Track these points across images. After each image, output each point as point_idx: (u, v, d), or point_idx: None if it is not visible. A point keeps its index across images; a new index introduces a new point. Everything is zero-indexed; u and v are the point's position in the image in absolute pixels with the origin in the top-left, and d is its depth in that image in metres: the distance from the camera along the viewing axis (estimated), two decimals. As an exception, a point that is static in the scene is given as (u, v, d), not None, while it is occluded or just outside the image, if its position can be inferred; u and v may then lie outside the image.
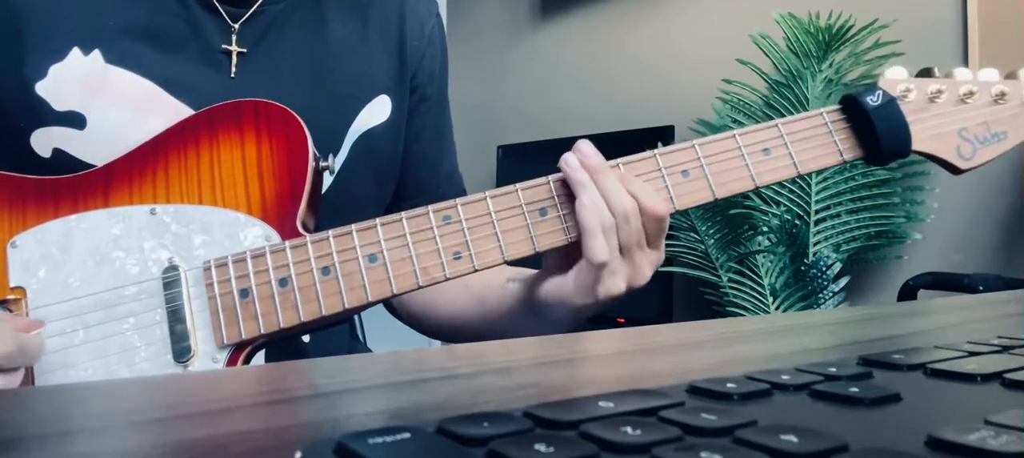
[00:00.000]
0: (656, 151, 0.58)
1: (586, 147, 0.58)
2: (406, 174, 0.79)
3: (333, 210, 0.67)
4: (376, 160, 0.74)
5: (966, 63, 1.70)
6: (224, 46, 0.67)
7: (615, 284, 0.57)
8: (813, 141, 0.59)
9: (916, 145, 0.59)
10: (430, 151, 0.81)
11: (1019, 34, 1.63)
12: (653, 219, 0.57)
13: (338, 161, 0.71)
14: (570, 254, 0.59)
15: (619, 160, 0.58)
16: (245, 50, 0.68)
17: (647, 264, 0.58)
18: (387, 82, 0.75)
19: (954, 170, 0.60)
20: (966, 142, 0.59)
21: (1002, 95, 0.60)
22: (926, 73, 0.62)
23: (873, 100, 0.58)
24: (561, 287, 0.59)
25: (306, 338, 0.75)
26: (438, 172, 0.82)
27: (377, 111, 0.74)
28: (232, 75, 0.67)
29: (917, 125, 0.59)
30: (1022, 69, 0.62)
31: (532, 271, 0.65)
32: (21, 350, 0.51)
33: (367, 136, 0.73)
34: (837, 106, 0.60)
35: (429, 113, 0.80)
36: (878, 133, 0.57)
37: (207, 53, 0.67)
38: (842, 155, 0.59)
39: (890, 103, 0.58)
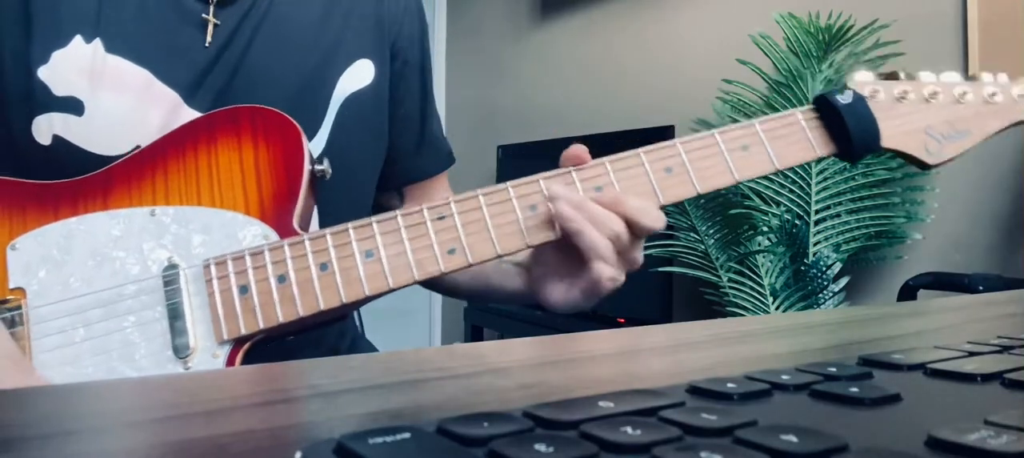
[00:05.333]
0: (641, 150, 0.61)
1: (556, 190, 0.58)
2: (393, 138, 0.81)
3: (330, 180, 0.67)
4: (364, 122, 0.75)
5: (966, 63, 1.71)
6: (203, 15, 0.69)
7: (617, 281, 0.60)
8: (788, 138, 0.61)
9: (885, 142, 0.62)
10: (414, 113, 0.83)
11: (1019, 33, 1.63)
12: (649, 231, 0.59)
13: (326, 128, 0.72)
14: (564, 249, 0.60)
15: (605, 159, 0.60)
16: (219, 22, 0.69)
17: (639, 253, 0.61)
18: (366, 48, 0.77)
19: (923, 166, 0.63)
20: (932, 139, 0.63)
21: (964, 95, 0.64)
22: (892, 76, 0.65)
23: (844, 99, 0.61)
24: (568, 294, 0.62)
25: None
26: (424, 134, 0.84)
27: (359, 74, 0.75)
28: (207, 44, 0.68)
29: (885, 122, 0.62)
30: (984, 73, 0.66)
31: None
32: None
33: (352, 99, 0.74)
34: (810, 105, 0.63)
35: (412, 77, 0.82)
36: (849, 129, 0.60)
37: (189, 34, 0.68)
38: (816, 150, 0.61)
39: (860, 101, 0.61)
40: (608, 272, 0.58)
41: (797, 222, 1.76)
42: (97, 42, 0.65)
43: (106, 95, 0.65)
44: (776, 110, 1.79)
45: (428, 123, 0.85)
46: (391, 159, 0.81)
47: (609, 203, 0.58)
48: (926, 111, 0.63)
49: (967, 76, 0.65)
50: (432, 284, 0.82)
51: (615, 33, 2.56)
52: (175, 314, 0.57)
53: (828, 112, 0.62)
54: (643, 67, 2.47)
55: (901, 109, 0.63)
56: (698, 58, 2.31)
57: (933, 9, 1.78)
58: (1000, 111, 0.64)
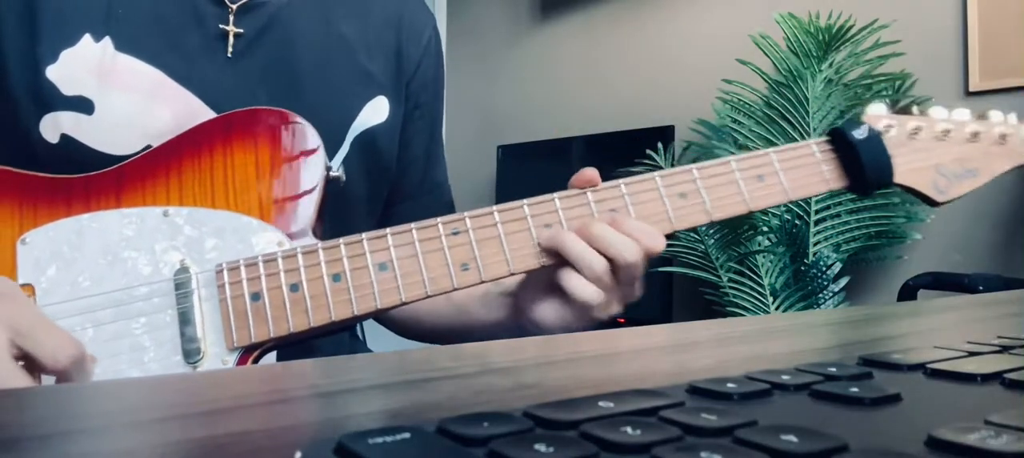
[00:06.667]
0: (656, 173, 0.61)
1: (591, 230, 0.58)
2: (396, 178, 0.79)
3: (331, 212, 0.67)
4: (375, 159, 0.75)
5: (966, 63, 1.70)
6: (221, 26, 0.68)
7: (613, 308, 0.60)
8: (802, 170, 0.62)
9: (897, 178, 0.62)
10: (420, 157, 0.82)
11: (1018, 34, 1.63)
12: (654, 254, 0.59)
13: (340, 155, 0.72)
14: (554, 273, 0.59)
15: (620, 181, 0.60)
16: (243, 30, 0.68)
17: (639, 283, 0.61)
18: (385, 84, 0.76)
19: (931, 202, 0.64)
20: (942, 177, 0.63)
21: (975, 135, 0.65)
22: (905, 110, 0.66)
23: (859, 134, 0.61)
24: (559, 315, 0.60)
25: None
26: (426, 180, 0.83)
27: (377, 110, 0.74)
28: (229, 54, 0.67)
29: (898, 159, 0.62)
30: (992, 111, 0.66)
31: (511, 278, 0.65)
32: (85, 362, 0.49)
33: (368, 134, 0.73)
34: (825, 138, 0.63)
35: (422, 120, 0.81)
36: (863, 164, 0.61)
37: (207, 39, 0.68)
38: (829, 184, 0.62)
39: (875, 136, 0.62)
40: (594, 297, 0.57)
41: (797, 222, 1.76)
42: (107, 40, 0.65)
43: (116, 94, 0.64)
44: (776, 110, 1.79)
45: (432, 169, 0.84)
46: (391, 200, 0.80)
47: (614, 223, 0.58)
48: (938, 148, 0.64)
49: (977, 115, 0.66)
50: (408, 330, 0.81)
51: (615, 33, 2.56)
52: (186, 319, 0.56)
53: (842, 145, 0.62)
54: (643, 67, 2.47)
55: (914, 145, 0.63)
56: (698, 58, 2.31)
57: (933, 9, 1.78)
58: (1009, 151, 0.65)
